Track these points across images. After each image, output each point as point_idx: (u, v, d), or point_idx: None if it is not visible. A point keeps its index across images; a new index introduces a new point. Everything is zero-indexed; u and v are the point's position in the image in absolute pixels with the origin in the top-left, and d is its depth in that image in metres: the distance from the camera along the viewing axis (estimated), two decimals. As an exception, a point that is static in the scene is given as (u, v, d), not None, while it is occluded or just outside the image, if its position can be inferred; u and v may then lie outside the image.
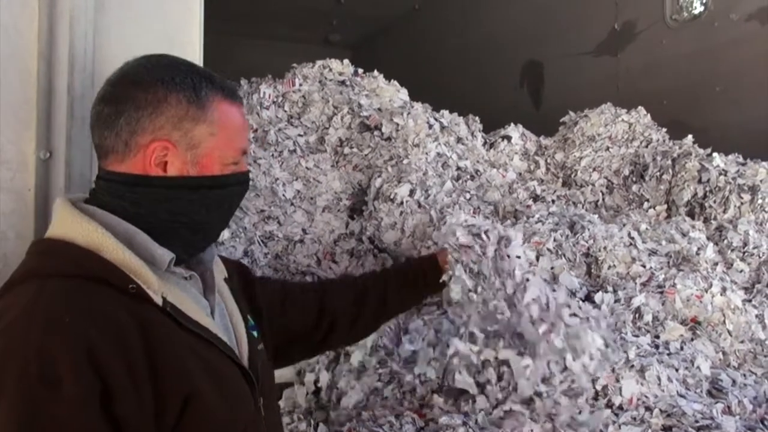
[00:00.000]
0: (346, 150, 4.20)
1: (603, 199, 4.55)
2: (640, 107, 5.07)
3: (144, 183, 1.38)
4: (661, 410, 2.59)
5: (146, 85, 1.39)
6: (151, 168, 1.39)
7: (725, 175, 4.13)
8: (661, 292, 3.23)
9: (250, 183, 3.84)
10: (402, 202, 3.74)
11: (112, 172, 1.38)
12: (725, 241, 3.79)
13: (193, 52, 2.18)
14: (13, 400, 1.13)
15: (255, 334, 1.58)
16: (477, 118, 4.94)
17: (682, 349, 2.98)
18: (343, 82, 4.50)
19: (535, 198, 4.27)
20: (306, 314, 1.90)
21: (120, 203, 1.37)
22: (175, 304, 1.33)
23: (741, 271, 3.64)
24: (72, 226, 1.33)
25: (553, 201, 4.29)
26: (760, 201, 3.99)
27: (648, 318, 3.10)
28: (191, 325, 1.32)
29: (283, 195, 3.84)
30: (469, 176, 4.18)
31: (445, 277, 2.04)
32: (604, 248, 3.46)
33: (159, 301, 1.30)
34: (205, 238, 1.49)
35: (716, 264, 3.59)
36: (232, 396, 1.34)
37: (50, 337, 1.17)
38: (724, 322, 3.20)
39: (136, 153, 1.38)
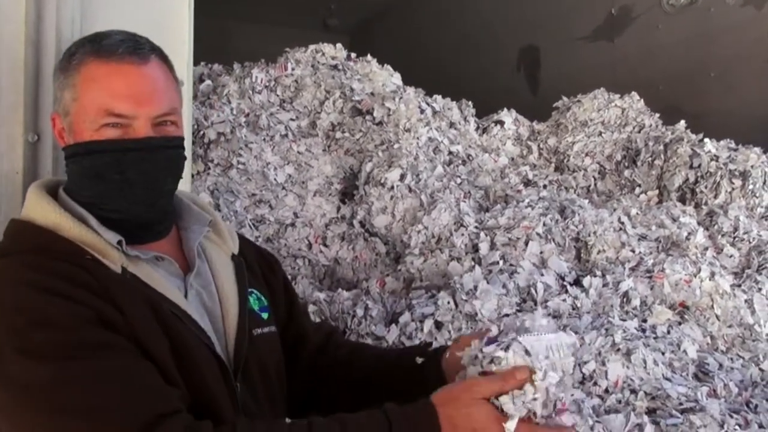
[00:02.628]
0: (338, 134, 4.21)
1: (595, 184, 4.57)
2: (633, 93, 5.07)
3: (64, 154, 1.43)
4: (646, 393, 2.61)
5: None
6: (59, 141, 1.42)
7: (717, 161, 4.15)
8: (650, 277, 3.24)
9: (241, 167, 3.91)
10: (392, 187, 3.76)
11: None
12: (716, 227, 3.81)
13: (182, 36, 2.17)
14: (11, 361, 1.16)
15: (264, 315, 1.54)
16: (470, 103, 4.95)
17: (669, 333, 2.99)
18: (335, 67, 4.50)
19: (527, 183, 4.28)
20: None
21: (66, 180, 1.43)
22: (140, 276, 1.33)
23: (731, 256, 3.66)
24: (34, 207, 1.36)
25: (545, 186, 4.30)
26: (750, 186, 4.01)
27: (636, 302, 3.12)
28: (157, 297, 1.32)
29: (275, 179, 3.86)
30: (460, 161, 4.20)
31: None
32: (594, 233, 3.48)
33: (117, 269, 1.31)
34: (115, 215, 1.37)
35: (706, 249, 3.61)
36: (191, 367, 1.31)
37: (19, 293, 1.21)
38: (712, 306, 3.22)
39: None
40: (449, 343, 2.61)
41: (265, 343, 1.51)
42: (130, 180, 1.36)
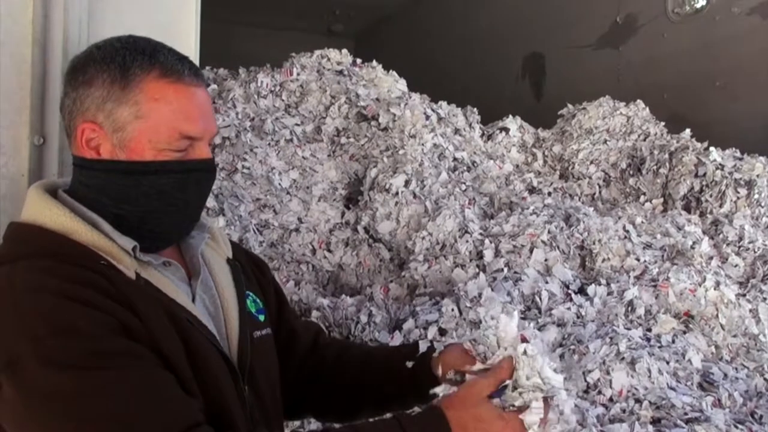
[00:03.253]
0: (343, 140, 4.21)
1: (600, 192, 4.56)
2: (638, 101, 5.08)
3: (82, 164, 1.37)
4: (650, 402, 2.60)
5: (80, 66, 1.36)
6: (85, 150, 1.35)
7: (722, 170, 4.14)
8: (655, 286, 3.23)
9: (246, 171, 3.91)
10: (397, 193, 3.75)
11: (72, 155, 1.40)
12: (721, 236, 3.79)
13: (189, 39, 2.17)
14: (32, 370, 1.13)
15: (261, 318, 1.54)
16: (475, 109, 4.95)
17: (673, 342, 2.98)
18: (341, 72, 4.50)
19: (532, 190, 4.28)
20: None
21: (80, 188, 1.38)
22: (153, 282, 1.32)
23: (736, 265, 3.64)
24: (42, 210, 1.33)
25: (549, 193, 4.30)
26: (756, 196, 3.99)
27: (640, 311, 3.11)
28: (170, 303, 1.31)
29: (279, 184, 3.85)
30: (465, 167, 4.19)
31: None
32: (599, 241, 3.47)
33: (132, 275, 1.29)
34: (163, 230, 1.38)
35: (711, 258, 3.60)
36: (205, 372, 1.30)
37: (40, 300, 1.19)
38: (717, 316, 3.21)
39: (75, 135, 1.36)
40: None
41: (264, 345, 1.52)
42: (189, 198, 1.39)
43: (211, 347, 1.34)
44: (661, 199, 4.31)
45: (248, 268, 1.62)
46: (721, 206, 4.04)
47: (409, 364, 1.55)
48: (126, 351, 1.18)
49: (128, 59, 1.33)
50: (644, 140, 4.75)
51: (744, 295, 3.37)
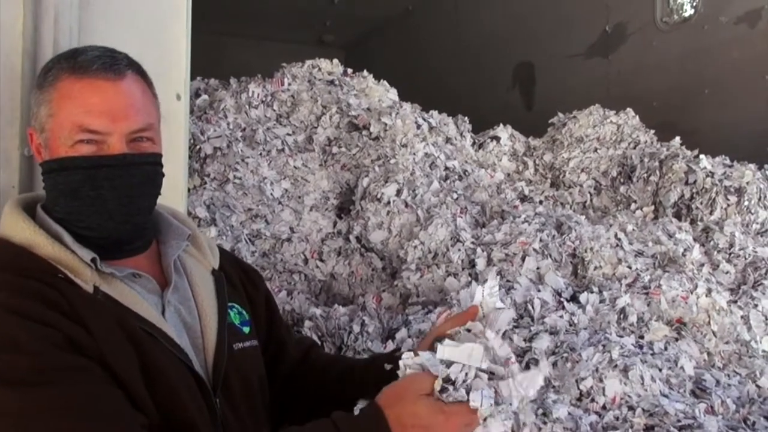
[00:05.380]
0: (335, 149, 4.21)
1: (591, 200, 4.57)
2: (628, 109, 5.10)
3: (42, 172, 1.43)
4: (643, 410, 2.60)
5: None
6: (36, 156, 1.41)
7: (712, 177, 4.15)
8: (647, 293, 3.24)
9: (237, 181, 3.90)
10: (389, 202, 3.76)
11: None
12: (711, 243, 3.80)
13: (180, 51, 2.17)
14: None
15: (246, 330, 1.54)
16: (466, 118, 4.97)
17: (666, 349, 2.98)
18: (332, 82, 4.51)
19: (523, 198, 4.28)
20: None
21: (46, 196, 1.43)
22: (113, 295, 1.32)
23: (727, 272, 3.65)
24: (9, 224, 1.35)
25: (540, 202, 4.30)
26: (746, 203, 4.01)
27: (633, 318, 3.11)
28: (129, 316, 1.31)
29: (271, 194, 3.85)
30: (456, 176, 4.19)
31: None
32: (591, 249, 3.48)
33: (89, 289, 1.30)
34: (92, 233, 1.37)
35: (702, 265, 3.60)
36: (163, 385, 1.30)
37: None
38: (709, 323, 3.21)
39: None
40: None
41: (246, 358, 1.51)
42: (104, 197, 1.36)
43: (174, 359, 1.33)
44: (652, 207, 4.32)
45: (236, 279, 1.61)
46: (711, 213, 4.05)
47: (388, 366, 1.53)
48: (69, 366, 1.19)
49: (52, 62, 1.39)
50: (634, 148, 4.77)
51: (735, 302, 3.38)
